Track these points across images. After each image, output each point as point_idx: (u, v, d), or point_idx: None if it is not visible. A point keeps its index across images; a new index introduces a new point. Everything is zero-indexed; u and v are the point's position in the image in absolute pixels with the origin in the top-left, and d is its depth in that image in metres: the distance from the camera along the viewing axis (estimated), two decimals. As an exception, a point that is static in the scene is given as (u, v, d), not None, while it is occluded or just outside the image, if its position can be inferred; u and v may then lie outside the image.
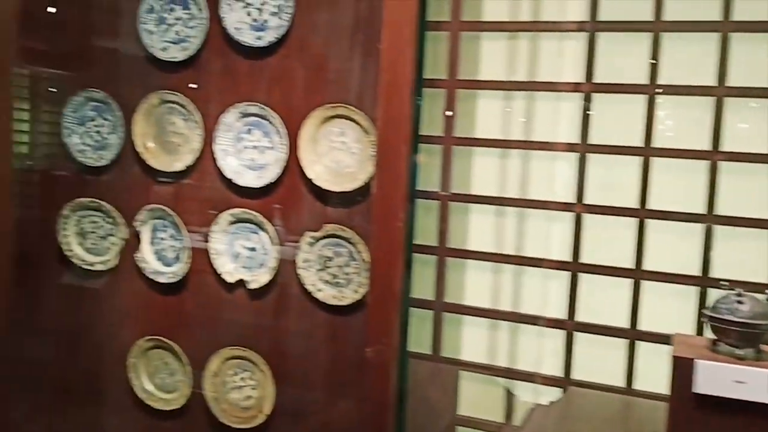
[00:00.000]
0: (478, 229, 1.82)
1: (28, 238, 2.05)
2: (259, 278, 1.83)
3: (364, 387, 1.68)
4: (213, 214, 1.89)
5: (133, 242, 1.98)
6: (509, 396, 1.73)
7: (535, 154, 1.77)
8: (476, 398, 1.74)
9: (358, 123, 1.71)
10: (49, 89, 2.08)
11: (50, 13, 2.00)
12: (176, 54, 1.88)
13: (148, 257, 1.95)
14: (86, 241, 2.02)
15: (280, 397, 1.84)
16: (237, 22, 1.82)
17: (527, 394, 1.72)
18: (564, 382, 1.75)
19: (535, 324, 1.70)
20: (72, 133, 2.01)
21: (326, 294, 1.78)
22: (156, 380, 1.98)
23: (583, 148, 1.76)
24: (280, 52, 1.81)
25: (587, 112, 1.72)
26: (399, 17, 1.52)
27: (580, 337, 1.73)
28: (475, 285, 1.77)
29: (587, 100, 1.71)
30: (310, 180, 1.76)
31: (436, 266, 1.95)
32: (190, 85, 1.93)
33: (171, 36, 1.90)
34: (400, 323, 1.55)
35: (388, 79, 1.54)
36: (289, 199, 1.81)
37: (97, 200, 1.97)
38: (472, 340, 1.75)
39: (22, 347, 2.07)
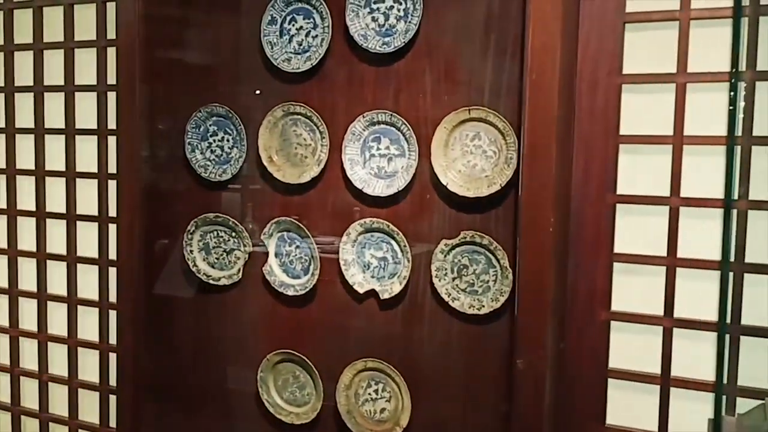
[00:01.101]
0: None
1: (154, 255, 2.04)
2: (391, 288, 1.78)
3: (509, 400, 1.59)
4: (341, 225, 1.83)
5: (257, 256, 1.94)
6: (664, 404, 1.60)
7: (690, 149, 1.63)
8: (627, 407, 1.63)
9: (494, 125, 1.64)
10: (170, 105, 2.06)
11: (172, 29, 1.98)
12: (300, 65, 1.85)
13: (275, 270, 1.92)
14: (210, 256, 2.00)
15: (416, 409, 1.76)
16: (363, 29, 1.77)
17: (682, 403, 1.59)
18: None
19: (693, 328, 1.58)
20: (194, 149, 1.99)
21: (462, 303, 1.71)
22: (285, 394, 1.94)
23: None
24: (408, 57, 1.76)
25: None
26: (545, 11, 1.44)
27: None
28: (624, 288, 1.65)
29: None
30: (442, 186, 1.69)
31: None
32: (303, 99, 1.87)
33: (293, 46, 1.86)
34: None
35: (535, 80, 1.45)
36: (420, 207, 1.76)
37: (222, 215, 1.95)
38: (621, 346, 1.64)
39: (151, 363, 2.06)
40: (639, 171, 1.58)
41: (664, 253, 1.56)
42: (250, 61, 1.95)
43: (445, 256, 1.73)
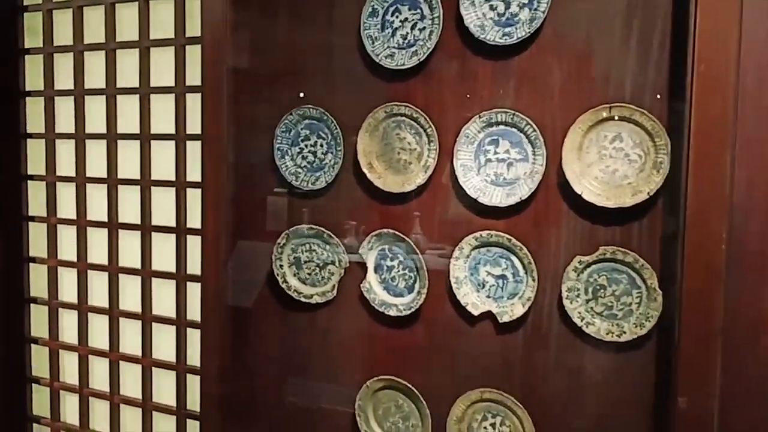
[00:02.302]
0: None
1: (240, 270, 1.84)
2: (511, 310, 1.55)
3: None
4: (451, 238, 1.61)
5: (354, 271, 1.73)
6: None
7: None
8: None
9: (640, 125, 1.41)
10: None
11: (261, 25, 1.78)
12: (404, 60, 1.63)
13: (374, 287, 1.70)
14: (301, 271, 1.79)
15: (542, 447, 1.53)
16: (479, 19, 1.55)
17: None
18: None
19: None
20: (284, 155, 1.78)
21: (599, 328, 1.47)
22: (387, 425, 1.73)
23: None
24: (531, 49, 1.53)
25: None
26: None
27: None
28: None
29: None
30: (575, 195, 1.46)
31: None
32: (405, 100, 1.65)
33: (397, 41, 1.65)
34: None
35: (705, 72, 1.21)
36: (546, 219, 1.52)
37: (316, 227, 1.74)
38: None
39: (236, 387, 1.86)
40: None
41: None
42: (348, 59, 1.74)
43: (578, 275, 1.49)
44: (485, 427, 1.63)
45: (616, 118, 1.44)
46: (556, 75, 1.54)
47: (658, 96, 1.43)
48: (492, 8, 1.58)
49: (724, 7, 1.24)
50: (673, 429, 1.33)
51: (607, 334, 1.49)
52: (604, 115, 1.46)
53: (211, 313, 1.80)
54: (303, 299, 1.83)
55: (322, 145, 1.80)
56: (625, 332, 1.47)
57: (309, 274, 1.83)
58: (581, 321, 1.51)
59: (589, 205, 1.48)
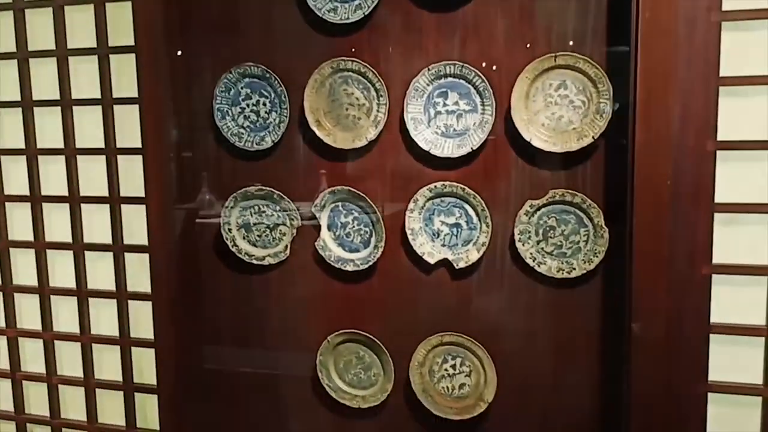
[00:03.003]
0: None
1: (189, 236, 1.78)
2: (466, 256, 1.60)
3: (620, 364, 1.46)
4: (404, 191, 1.63)
5: (306, 231, 1.72)
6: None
7: None
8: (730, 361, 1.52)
9: (583, 72, 1.48)
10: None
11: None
12: (348, 15, 1.61)
13: (329, 244, 1.70)
14: (251, 233, 1.76)
15: (501, 382, 1.61)
16: (423, -28, 1.54)
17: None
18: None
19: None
20: (225, 115, 1.72)
21: (550, 267, 1.55)
22: (348, 377, 1.75)
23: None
24: (475, 0, 1.54)
25: None
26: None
27: None
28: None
29: None
30: (523, 142, 1.52)
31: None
32: (353, 50, 1.64)
33: (340, -6, 1.62)
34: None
35: (650, 18, 1.28)
36: (496, 167, 1.58)
37: (265, 188, 1.70)
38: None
39: (197, 355, 1.81)
40: (741, 115, 1.44)
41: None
42: (289, 13, 1.69)
43: (529, 218, 1.56)
44: (446, 369, 1.69)
45: (557, 62, 1.49)
46: (501, 25, 1.58)
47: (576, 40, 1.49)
48: (435, -40, 1.57)
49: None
50: (627, 353, 1.42)
51: (558, 271, 1.57)
52: (550, 63, 1.50)
53: (162, 283, 1.72)
54: (255, 262, 1.80)
55: (265, 104, 1.75)
56: (574, 269, 1.56)
57: (259, 236, 1.80)
58: (533, 261, 1.58)
59: (537, 151, 1.54)
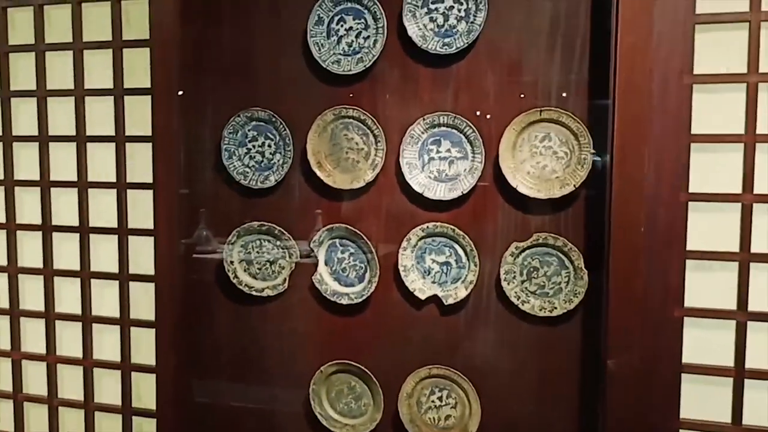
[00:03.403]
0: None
1: (194, 266, 1.87)
2: (455, 293, 1.70)
3: (595, 400, 1.54)
4: (397, 230, 1.73)
5: (304, 265, 1.81)
6: (737, 396, 1.60)
7: None
8: (701, 400, 1.61)
9: (566, 126, 1.59)
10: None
11: (209, 32, 1.82)
12: (351, 66, 1.73)
13: (326, 278, 1.79)
14: (252, 266, 1.85)
15: (485, 414, 1.69)
16: (420, 30, 1.68)
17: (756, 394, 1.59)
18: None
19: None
20: (231, 155, 1.83)
21: (533, 305, 1.65)
22: (339, 406, 1.82)
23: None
24: (468, 58, 1.68)
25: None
26: (635, 10, 1.40)
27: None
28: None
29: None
30: (509, 188, 1.63)
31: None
32: (350, 96, 1.76)
33: (342, 48, 1.74)
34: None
35: (627, 77, 1.41)
36: (484, 210, 1.69)
37: (267, 223, 1.80)
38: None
39: (195, 381, 1.89)
40: (711, 169, 1.56)
41: (736, 248, 1.54)
42: (294, 63, 1.81)
43: (514, 259, 1.66)
44: (433, 400, 1.77)
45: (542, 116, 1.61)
46: (491, 81, 1.70)
47: (564, 94, 1.61)
48: (432, 20, 1.70)
49: (640, 26, 1.44)
50: (603, 389, 1.51)
51: (540, 310, 1.67)
52: (536, 117, 1.62)
53: (166, 311, 1.81)
54: (254, 293, 1.89)
55: (270, 146, 1.85)
56: (556, 308, 1.65)
57: (259, 269, 1.89)
58: (517, 300, 1.68)
59: (523, 196, 1.65)
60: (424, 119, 1.72)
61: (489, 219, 1.72)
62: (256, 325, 1.92)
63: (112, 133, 1.96)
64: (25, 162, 2.07)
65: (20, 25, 2.05)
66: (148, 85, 1.88)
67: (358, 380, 1.83)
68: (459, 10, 1.70)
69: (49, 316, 2.09)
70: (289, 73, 1.85)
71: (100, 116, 1.97)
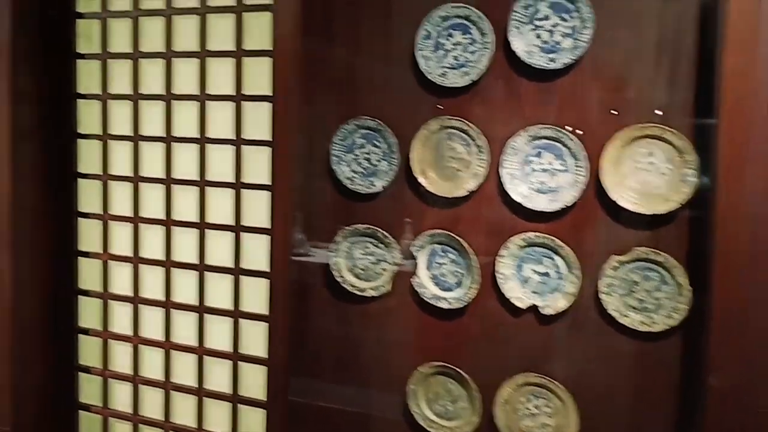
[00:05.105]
0: None
1: (300, 266, 2.10)
2: (554, 304, 1.82)
3: (694, 414, 1.64)
4: (496, 239, 1.88)
5: (406, 268, 2.00)
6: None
7: None
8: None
9: (670, 143, 1.69)
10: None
11: (323, 45, 2.03)
12: (456, 80, 1.89)
13: (425, 282, 1.97)
14: (356, 267, 2.05)
15: (582, 426, 1.81)
16: (527, 45, 1.81)
17: None
18: None
19: None
20: (340, 161, 2.04)
21: (633, 320, 1.75)
22: (436, 407, 1.99)
23: None
24: (573, 73, 1.81)
25: None
26: (742, 32, 1.49)
27: None
28: None
29: None
30: (610, 202, 1.75)
31: None
32: (438, 106, 1.93)
33: (449, 61, 1.91)
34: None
35: (732, 97, 1.50)
36: (585, 222, 1.81)
37: (371, 226, 2.00)
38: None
39: (297, 376, 2.11)
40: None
41: None
42: (402, 76, 1.99)
43: (615, 272, 1.77)
44: (529, 408, 1.91)
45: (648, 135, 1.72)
46: (596, 96, 1.82)
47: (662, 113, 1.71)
48: (538, 36, 1.85)
49: (747, 48, 1.53)
50: (702, 404, 1.61)
51: (641, 324, 1.78)
52: (640, 133, 1.74)
53: (279, 306, 2.04)
54: (357, 292, 2.09)
55: (376, 153, 2.05)
56: (656, 323, 1.76)
57: (363, 269, 2.09)
58: (617, 313, 1.80)
59: (623, 210, 1.76)
60: (526, 131, 1.87)
61: (589, 231, 1.84)
62: (357, 324, 2.12)
63: (232, 136, 2.22)
64: (150, 161, 2.37)
65: (151, 33, 2.35)
66: (266, 93, 2.12)
67: (455, 383, 2.00)
68: (565, 27, 1.83)
69: (167, 305, 2.38)
70: (396, 85, 2.04)
71: (220, 120, 2.24)
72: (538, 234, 1.86)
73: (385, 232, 2.04)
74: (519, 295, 1.90)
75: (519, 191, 1.89)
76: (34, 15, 2.36)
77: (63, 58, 2.45)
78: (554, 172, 1.86)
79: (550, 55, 1.84)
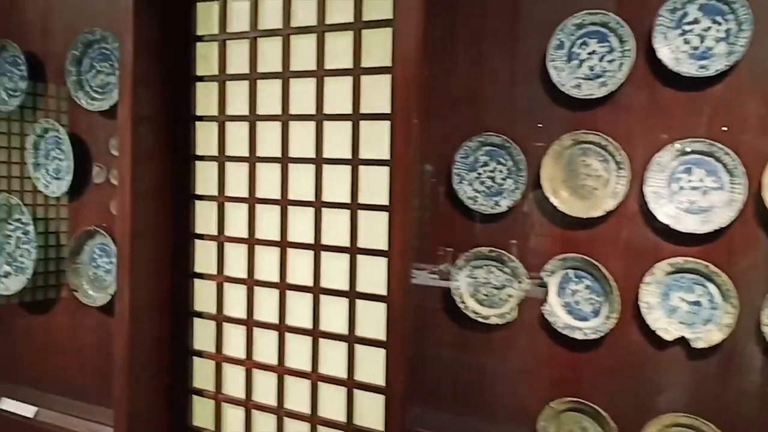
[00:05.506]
0: None
1: (419, 290, 2.00)
2: (706, 336, 1.64)
3: None
4: (638, 264, 1.72)
5: (533, 294, 1.86)
6: None
7: None
8: None
9: None
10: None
11: (445, 60, 1.95)
12: (592, 91, 1.76)
13: (556, 310, 1.82)
14: (479, 292, 1.93)
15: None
16: (673, 52, 1.67)
17: None
18: None
19: None
20: (462, 180, 1.94)
21: (803, 356, 1.54)
22: (569, 446, 1.83)
23: None
24: (727, 81, 1.63)
25: None
26: None
27: None
28: None
29: None
30: (774, 224, 1.55)
31: None
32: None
33: (584, 72, 1.78)
34: None
35: None
36: (743, 246, 1.63)
37: (496, 249, 1.87)
38: None
39: (414, 405, 2.00)
40: None
41: None
42: (530, 89, 1.88)
43: (782, 303, 1.58)
44: (681, 453, 1.73)
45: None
46: (753, 106, 1.64)
47: None
48: (686, 42, 1.69)
49: None
50: None
51: (812, 362, 1.57)
52: (810, 146, 1.54)
53: (397, 331, 1.95)
54: (480, 320, 1.97)
55: (501, 171, 1.94)
56: (831, 361, 1.54)
57: (486, 295, 1.97)
58: (787, 349, 1.60)
59: (792, 233, 1.57)
60: (672, 146, 1.71)
61: (748, 256, 1.66)
62: (480, 353, 2.00)
63: (349, 156, 2.16)
64: (266, 182, 2.35)
65: (268, 54, 2.35)
66: (384, 111, 2.05)
67: (591, 421, 1.84)
68: (718, 31, 1.67)
69: (280, 328, 2.34)
70: (524, 99, 1.94)
71: (336, 140, 2.19)
72: (687, 259, 1.69)
73: (510, 256, 1.92)
74: (665, 326, 1.73)
75: (665, 211, 1.73)
76: (155, 38, 2.40)
77: (181, 80, 2.48)
78: (706, 190, 1.69)
79: (701, 62, 1.68)
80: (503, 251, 1.95)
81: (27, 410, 2.73)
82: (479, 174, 2.01)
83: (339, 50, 2.16)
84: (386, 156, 2.03)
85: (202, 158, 2.46)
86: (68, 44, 2.68)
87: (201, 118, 2.48)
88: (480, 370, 2.02)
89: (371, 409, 2.14)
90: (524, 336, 1.96)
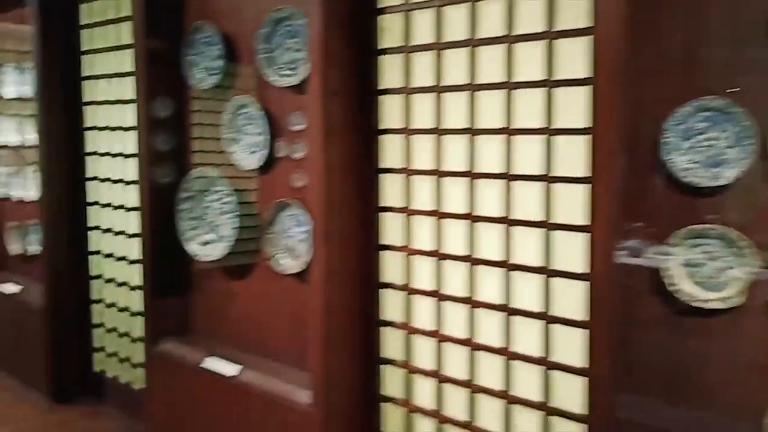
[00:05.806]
0: None
1: (624, 270, 1.84)
2: None
3: None
4: None
5: (763, 278, 1.64)
6: None
7: None
8: None
9: None
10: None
11: (654, 19, 1.74)
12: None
13: (796, 295, 1.60)
14: (695, 274, 1.73)
15: None
16: None
17: None
18: None
19: None
20: (672, 150, 1.74)
21: None
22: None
23: None
24: None
25: None
26: None
27: None
28: None
29: None
30: None
31: None
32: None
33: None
34: None
35: None
36: None
37: (720, 226, 1.67)
38: None
39: (618, 390, 1.88)
40: None
41: None
42: (759, 48, 1.63)
43: None
44: None
45: None
46: None
47: None
48: None
49: None
50: None
51: None
52: None
53: (601, 312, 1.83)
54: (696, 303, 1.79)
55: (724, 139, 1.73)
56: None
57: (704, 277, 1.78)
58: None
59: None
60: None
61: None
62: (695, 340, 1.83)
63: (541, 125, 2.03)
64: (452, 155, 2.29)
65: (453, 23, 2.26)
66: (581, 76, 1.90)
67: (831, 421, 1.62)
68: None
69: (471, 302, 2.29)
70: (751, 59, 1.69)
71: (527, 110, 2.07)
72: None
73: (738, 233, 1.71)
74: None
75: None
76: (340, 13, 2.39)
77: (366, 53, 2.46)
78: None
79: None
80: (727, 228, 1.74)
81: (231, 369, 2.92)
82: (696, 143, 1.80)
83: (529, 14, 2.03)
84: (583, 125, 1.89)
85: (387, 132, 2.45)
86: (258, 24, 2.76)
87: (386, 92, 2.46)
88: (696, 358, 1.85)
89: (569, 392, 2.05)
90: (752, 323, 1.75)
